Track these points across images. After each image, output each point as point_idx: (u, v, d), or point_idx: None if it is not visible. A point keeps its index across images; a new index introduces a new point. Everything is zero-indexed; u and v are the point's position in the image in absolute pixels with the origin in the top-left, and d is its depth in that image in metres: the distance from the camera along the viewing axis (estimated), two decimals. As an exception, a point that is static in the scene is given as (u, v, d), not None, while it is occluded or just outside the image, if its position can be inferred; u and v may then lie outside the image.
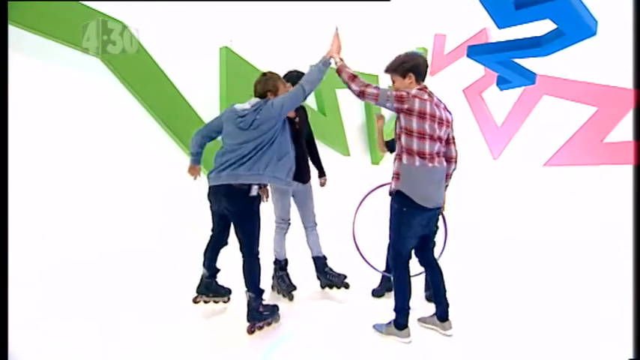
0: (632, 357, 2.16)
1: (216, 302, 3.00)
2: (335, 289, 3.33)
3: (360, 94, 2.36)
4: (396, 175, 2.37)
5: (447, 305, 2.59)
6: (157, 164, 4.11)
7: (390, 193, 2.42)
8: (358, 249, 3.23)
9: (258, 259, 2.69)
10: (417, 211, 2.36)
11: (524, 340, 2.51)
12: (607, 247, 4.33)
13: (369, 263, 3.24)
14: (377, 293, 3.30)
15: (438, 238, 2.91)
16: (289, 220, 3.24)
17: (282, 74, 2.94)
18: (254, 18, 4.70)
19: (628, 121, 5.40)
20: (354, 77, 2.39)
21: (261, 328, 2.67)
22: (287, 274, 3.31)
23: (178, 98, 4.00)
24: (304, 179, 3.17)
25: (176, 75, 4.04)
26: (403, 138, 2.32)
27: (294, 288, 3.26)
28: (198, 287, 2.95)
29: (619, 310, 2.87)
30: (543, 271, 3.75)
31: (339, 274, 3.35)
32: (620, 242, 3.97)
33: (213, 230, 2.87)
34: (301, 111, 3.20)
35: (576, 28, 3.83)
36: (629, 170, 5.28)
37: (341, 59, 2.51)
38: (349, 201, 5.51)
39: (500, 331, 2.55)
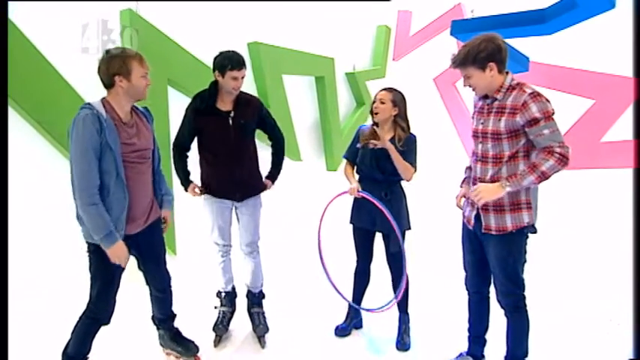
0: (632, 357, 2.36)
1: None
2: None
3: (563, 160, 2.04)
4: (527, 205, 2.19)
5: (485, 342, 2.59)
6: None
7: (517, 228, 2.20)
8: (327, 274, 2.95)
9: None
10: None
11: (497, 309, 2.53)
12: (606, 247, 4.49)
13: (338, 291, 2.95)
14: (342, 332, 2.97)
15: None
16: (227, 244, 2.92)
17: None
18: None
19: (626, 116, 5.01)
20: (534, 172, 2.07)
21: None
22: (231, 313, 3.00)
23: (57, 80, 3.05)
24: (238, 196, 2.78)
25: (54, 51, 3.11)
26: (534, 154, 2.15)
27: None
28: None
29: (619, 310, 3.14)
30: (540, 272, 3.70)
31: (264, 326, 2.93)
32: (619, 242, 4.16)
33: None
34: (244, 101, 2.76)
35: (594, -3, 3.27)
36: (627, 174, 4.93)
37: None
38: (301, 217, 4.85)
39: (500, 332, 2.49)
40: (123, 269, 2.20)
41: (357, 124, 6.32)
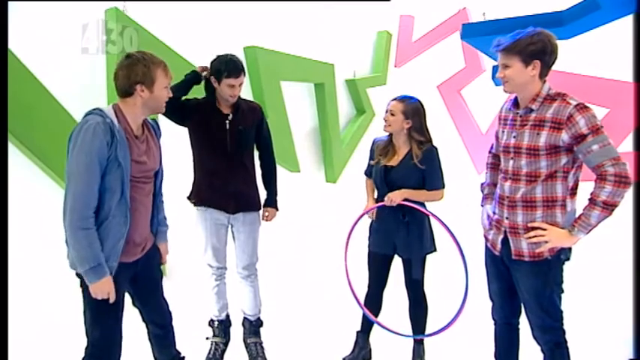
0: (632, 357, 2.44)
1: None
2: None
3: (621, 181, 1.82)
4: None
5: None
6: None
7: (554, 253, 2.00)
8: (353, 291, 2.70)
9: None
10: None
11: (524, 340, 2.41)
12: (607, 247, 4.47)
13: (362, 307, 2.72)
14: None
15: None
16: (222, 266, 2.72)
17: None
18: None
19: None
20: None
21: None
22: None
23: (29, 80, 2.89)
24: (232, 206, 2.61)
25: (54, 51, 3.08)
26: (572, 175, 1.99)
27: None
28: None
29: (619, 310, 3.20)
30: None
31: (262, 358, 2.76)
32: (620, 243, 4.07)
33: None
34: (246, 108, 2.64)
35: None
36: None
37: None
38: (300, 232, 4.64)
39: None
40: (123, 297, 1.99)
41: (358, 132, 6.17)
